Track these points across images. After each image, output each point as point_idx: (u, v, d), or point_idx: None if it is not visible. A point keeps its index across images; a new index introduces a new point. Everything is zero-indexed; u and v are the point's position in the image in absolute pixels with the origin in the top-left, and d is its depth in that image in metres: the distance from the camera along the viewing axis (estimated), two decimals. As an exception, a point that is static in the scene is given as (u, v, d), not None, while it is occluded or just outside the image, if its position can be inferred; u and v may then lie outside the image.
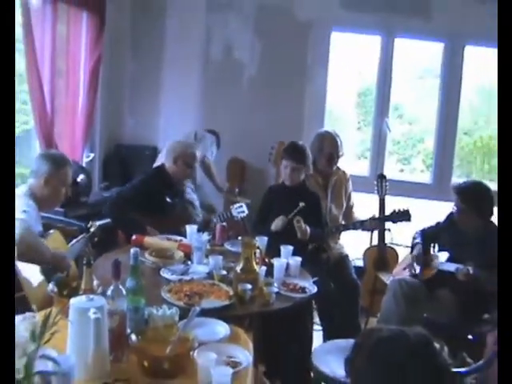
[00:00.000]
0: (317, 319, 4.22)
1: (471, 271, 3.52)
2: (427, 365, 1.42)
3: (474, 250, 3.69)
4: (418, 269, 3.90)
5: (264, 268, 3.15)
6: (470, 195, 3.76)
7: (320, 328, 4.18)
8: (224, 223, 4.02)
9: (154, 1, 5.82)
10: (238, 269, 2.99)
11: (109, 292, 2.17)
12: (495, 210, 3.78)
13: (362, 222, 4.40)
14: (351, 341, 1.62)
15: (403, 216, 4.29)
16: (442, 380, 1.43)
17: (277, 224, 3.87)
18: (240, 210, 4.24)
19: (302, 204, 3.85)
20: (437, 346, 1.72)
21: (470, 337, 3.56)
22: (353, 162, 8.96)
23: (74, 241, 3.19)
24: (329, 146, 4.48)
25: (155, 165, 4.77)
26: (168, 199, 4.09)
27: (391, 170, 8.49)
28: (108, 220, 4.09)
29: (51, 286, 2.45)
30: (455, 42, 5.55)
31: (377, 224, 4.44)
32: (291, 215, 3.84)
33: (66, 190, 3.31)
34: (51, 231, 3.25)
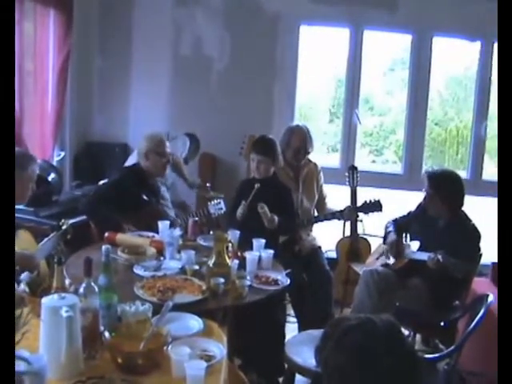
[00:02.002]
0: (292, 311, 4.25)
1: (441, 259, 3.57)
2: (394, 350, 1.44)
3: (443, 238, 3.76)
4: (391, 257, 3.95)
5: (236, 261, 3.18)
6: (439, 181, 3.84)
7: (295, 320, 4.21)
8: (196, 218, 4.03)
9: (121, -3, 5.80)
10: (211, 263, 3.00)
11: (81, 290, 2.17)
12: (465, 199, 3.86)
13: (334, 213, 4.45)
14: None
15: (375, 207, 4.34)
16: (409, 365, 1.46)
17: (239, 211, 3.91)
18: (218, 206, 4.23)
19: (257, 185, 3.88)
20: (405, 332, 1.76)
21: (441, 324, 3.61)
22: (325, 155, 9.02)
23: (45, 240, 3.17)
24: (297, 140, 4.51)
25: (126, 164, 4.77)
26: (144, 197, 4.08)
27: (364, 162, 8.57)
28: (81, 218, 4.08)
29: (22, 285, 2.44)
30: (423, 33, 5.61)
31: (348, 215, 4.48)
32: (249, 199, 3.88)
33: (33, 185, 3.28)
34: (18, 231, 3.22)
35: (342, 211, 4.42)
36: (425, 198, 3.90)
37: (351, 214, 4.49)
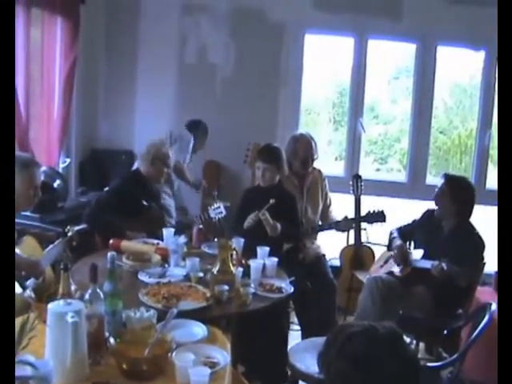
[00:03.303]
0: (295, 319, 4.26)
1: (445, 267, 3.58)
2: (396, 357, 1.45)
3: (447, 246, 3.77)
4: (397, 264, 3.95)
5: (241, 269, 3.19)
6: (456, 181, 3.90)
7: (299, 328, 4.22)
8: (201, 226, 4.04)
9: (127, 4, 5.82)
10: (215, 270, 3.02)
11: (86, 296, 2.19)
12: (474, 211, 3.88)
13: (338, 222, 4.45)
14: (327, 338, 1.65)
15: (378, 217, 4.36)
16: (411, 371, 1.47)
17: (248, 221, 3.92)
18: (218, 210, 4.25)
19: (272, 201, 3.88)
20: (407, 339, 1.77)
21: (444, 332, 3.61)
22: (330, 163, 9.02)
23: (51, 246, 3.18)
24: (303, 149, 4.51)
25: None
26: (144, 202, 4.10)
27: (368, 170, 8.57)
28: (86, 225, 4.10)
29: (28, 291, 2.46)
30: (427, 42, 5.63)
31: (352, 224, 4.50)
32: (261, 212, 3.88)
33: (35, 192, 3.21)
34: (24, 237, 3.24)
35: (345, 220, 4.43)
36: (436, 196, 3.90)
37: (347, 224, 4.48)
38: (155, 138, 4.56)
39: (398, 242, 4.06)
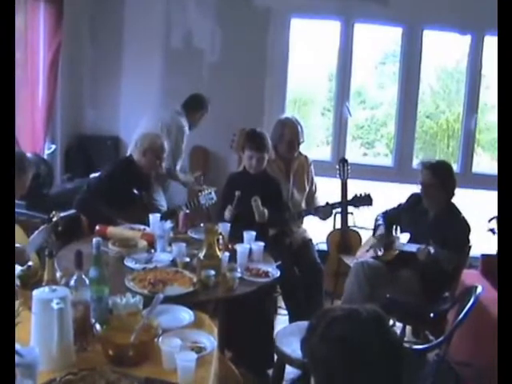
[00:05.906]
0: (283, 303, 4.27)
1: (432, 251, 3.60)
2: (379, 340, 1.46)
3: (433, 230, 3.78)
4: (381, 250, 3.97)
5: (227, 254, 3.19)
6: (443, 171, 3.88)
7: (286, 312, 4.23)
8: (187, 211, 4.03)
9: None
10: (201, 255, 3.02)
11: (72, 282, 2.18)
12: (456, 192, 3.89)
13: (324, 206, 4.42)
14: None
15: (365, 201, 4.34)
16: (394, 354, 1.47)
17: (226, 215, 3.90)
18: (209, 196, 4.24)
19: (237, 193, 3.85)
20: (393, 323, 1.77)
21: (431, 315, 3.64)
22: (316, 148, 9.03)
23: (36, 232, 3.17)
24: (289, 132, 4.48)
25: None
26: (135, 191, 4.08)
27: (355, 155, 8.58)
28: (72, 211, 4.08)
29: (14, 278, 2.45)
30: (413, 26, 5.61)
31: (332, 211, 4.47)
32: (234, 204, 3.86)
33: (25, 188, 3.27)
34: None
35: (331, 205, 4.39)
36: (426, 187, 3.90)
37: (327, 211, 4.41)
38: (149, 128, 4.56)
39: (381, 229, 4.07)
